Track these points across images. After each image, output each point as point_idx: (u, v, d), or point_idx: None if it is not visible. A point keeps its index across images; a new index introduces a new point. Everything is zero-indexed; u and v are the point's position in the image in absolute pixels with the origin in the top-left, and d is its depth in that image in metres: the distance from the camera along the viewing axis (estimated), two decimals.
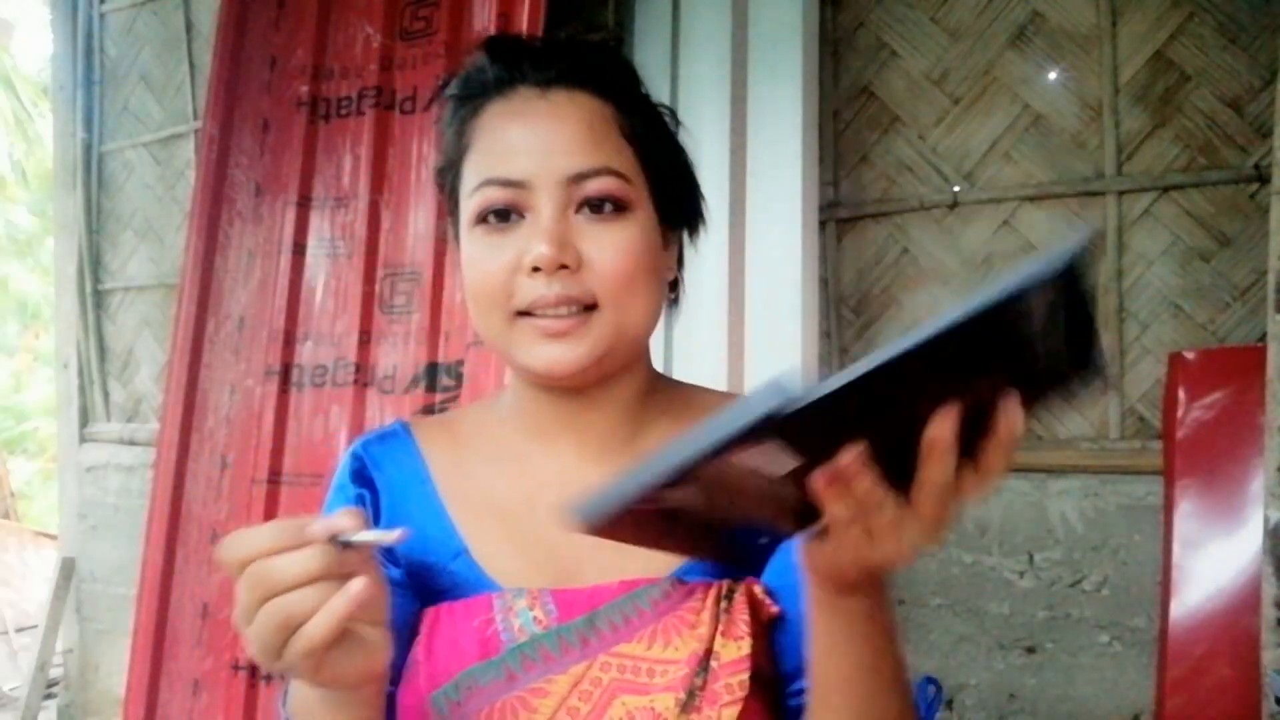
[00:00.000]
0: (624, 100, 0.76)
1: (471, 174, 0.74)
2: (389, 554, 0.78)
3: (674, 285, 0.81)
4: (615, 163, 0.72)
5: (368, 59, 2.28)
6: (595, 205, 0.71)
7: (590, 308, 0.71)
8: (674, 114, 0.82)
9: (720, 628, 0.71)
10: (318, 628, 0.53)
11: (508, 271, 0.71)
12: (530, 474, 0.79)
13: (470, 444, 0.82)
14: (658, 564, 0.71)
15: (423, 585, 0.77)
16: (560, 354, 0.71)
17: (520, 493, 0.78)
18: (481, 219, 0.73)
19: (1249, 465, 1.64)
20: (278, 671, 0.56)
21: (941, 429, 0.50)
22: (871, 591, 0.61)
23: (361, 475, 0.81)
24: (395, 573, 0.78)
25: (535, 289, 0.70)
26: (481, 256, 0.72)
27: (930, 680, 0.76)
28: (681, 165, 0.81)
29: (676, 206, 0.80)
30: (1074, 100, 2.04)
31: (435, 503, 0.79)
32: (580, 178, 0.71)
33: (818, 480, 0.51)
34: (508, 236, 0.71)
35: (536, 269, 0.69)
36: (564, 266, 0.70)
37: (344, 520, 0.55)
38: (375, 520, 0.80)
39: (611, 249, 0.71)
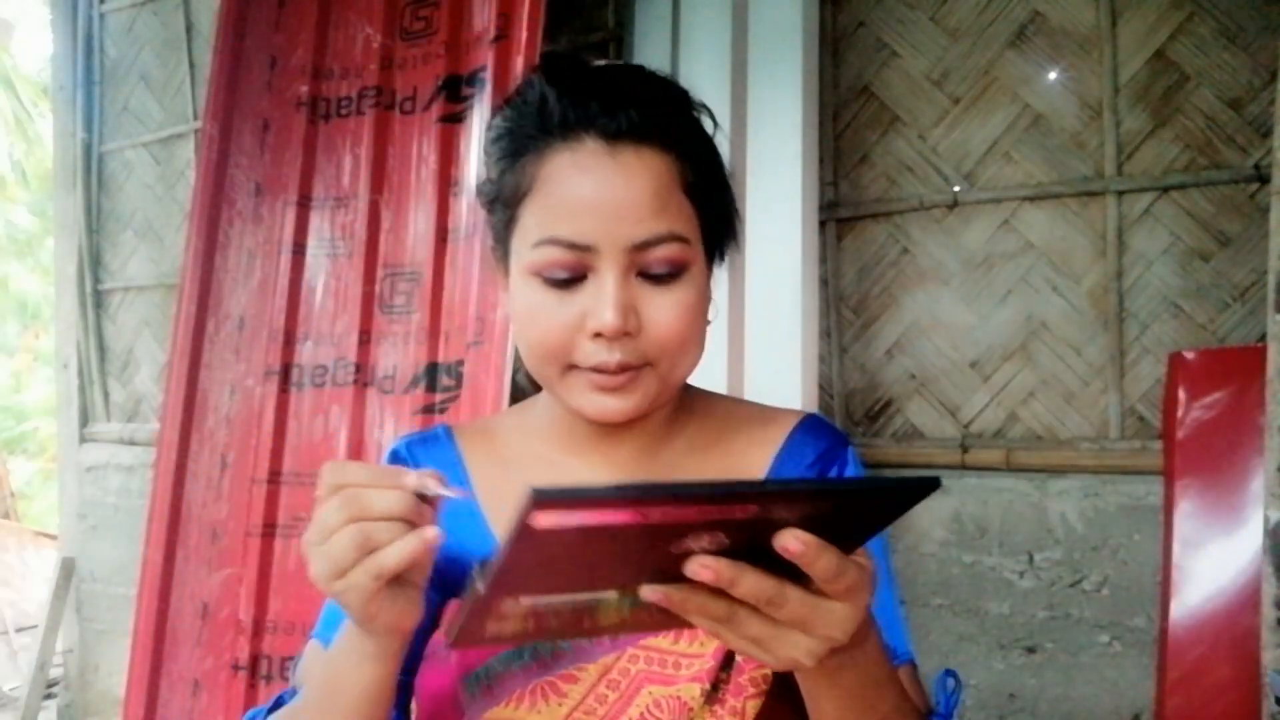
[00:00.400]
0: (687, 151, 0.75)
1: (533, 224, 0.74)
2: None
3: None
4: (678, 226, 0.73)
5: (368, 59, 2.28)
6: (657, 270, 0.73)
7: (643, 365, 0.74)
8: (714, 118, 0.81)
9: None
10: (393, 554, 0.58)
11: (569, 330, 0.73)
12: (563, 481, 0.82)
13: (506, 450, 0.87)
14: None
15: (455, 582, 0.80)
16: (613, 405, 0.74)
17: None
18: (542, 273, 0.73)
19: (1249, 465, 1.64)
20: (331, 592, 0.60)
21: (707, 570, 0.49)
22: (829, 660, 0.56)
23: None
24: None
25: (598, 354, 0.72)
26: (541, 310, 0.74)
27: (950, 674, 0.75)
28: (730, 205, 0.82)
29: (724, 245, 0.82)
30: (1074, 100, 2.04)
31: (472, 503, 0.83)
32: (645, 246, 0.72)
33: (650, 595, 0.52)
34: (569, 294, 0.73)
35: (599, 334, 0.71)
36: (626, 334, 0.72)
37: (430, 481, 0.61)
38: None
39: (669, 312, 0.73)
